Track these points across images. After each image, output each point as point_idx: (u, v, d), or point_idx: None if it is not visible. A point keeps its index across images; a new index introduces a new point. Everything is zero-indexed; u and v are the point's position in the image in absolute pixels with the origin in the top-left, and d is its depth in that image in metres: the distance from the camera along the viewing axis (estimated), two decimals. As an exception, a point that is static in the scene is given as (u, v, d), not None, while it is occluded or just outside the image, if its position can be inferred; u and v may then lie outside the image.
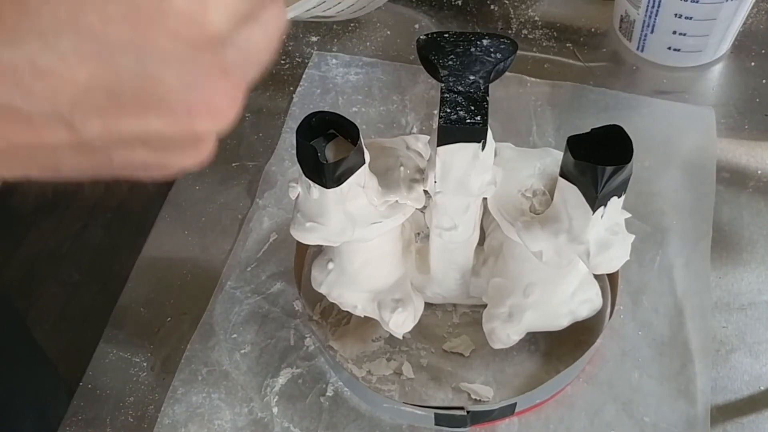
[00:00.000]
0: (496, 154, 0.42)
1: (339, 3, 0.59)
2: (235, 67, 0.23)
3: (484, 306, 0.49)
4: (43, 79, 0.20)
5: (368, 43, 0.70)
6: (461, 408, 0.47)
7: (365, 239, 0.43)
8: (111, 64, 0.20)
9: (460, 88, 0.38)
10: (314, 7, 0.53)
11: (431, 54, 0.39)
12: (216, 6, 0.21)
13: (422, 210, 0.46)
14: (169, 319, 0.56)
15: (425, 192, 0.43)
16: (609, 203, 0.38)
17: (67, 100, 0.21)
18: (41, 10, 0.19)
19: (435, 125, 0.39)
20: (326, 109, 0.52)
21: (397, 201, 0.42)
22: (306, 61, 0.69)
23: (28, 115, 0.21)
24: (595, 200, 0.37)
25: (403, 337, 0.51)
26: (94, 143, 0.22)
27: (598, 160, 0.36)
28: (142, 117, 0.22)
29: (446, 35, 0.40)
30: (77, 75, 0.20)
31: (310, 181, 0.39)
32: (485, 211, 0.47)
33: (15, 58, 0.20)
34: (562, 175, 0.38)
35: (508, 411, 0.48)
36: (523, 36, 0.69)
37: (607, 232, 0.40)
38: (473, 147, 0.38)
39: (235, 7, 0.22)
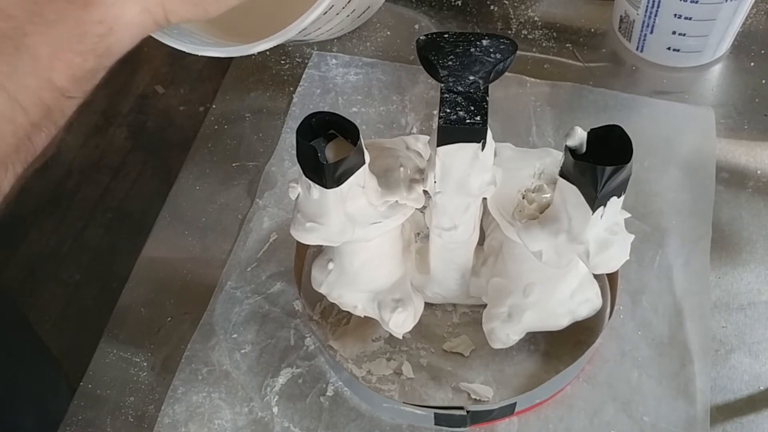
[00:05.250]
0: (495, 154, 0.42)
1: (319, 29, 0.59)
2: None
3: (484, 306, 0.49)
4: None
5: (368, 44, 0.70)
6: (461, 408, 0.47)
7: (365, 239, 0.43)
8: None
9: (459, 88, 0.38)
10: (297, 33, 0.53)
11: (431, 54, 0.39)
12: None
13: (422, 210, 0.46)
14: (169, 319, 0.56)
15: (425, 192, 0.43)
16: (609, 203, 0.38)
17: None
18: None
19: (435, 125, 0.39)
20: (326, 109, 0.52)
21: (396, 201, 0.42)
22: (306, 61, 0.69)
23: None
24: (595, 200, 0.37)
25: (403, 337, 0.51)
26: None
27: (598, 160, 0.36)
28: None
29: (446, 35, 0.40)
30: None
31: (310, 182, 0.39)
32: (485, 211, 0.47)
33: None
34: (562, 175, 0.39)
35: (508, 411, 0.48)
36: (522, 36, 0.69)
37: (606, 232, 0.40)
38: (473, 147, 0.38)
39: None
